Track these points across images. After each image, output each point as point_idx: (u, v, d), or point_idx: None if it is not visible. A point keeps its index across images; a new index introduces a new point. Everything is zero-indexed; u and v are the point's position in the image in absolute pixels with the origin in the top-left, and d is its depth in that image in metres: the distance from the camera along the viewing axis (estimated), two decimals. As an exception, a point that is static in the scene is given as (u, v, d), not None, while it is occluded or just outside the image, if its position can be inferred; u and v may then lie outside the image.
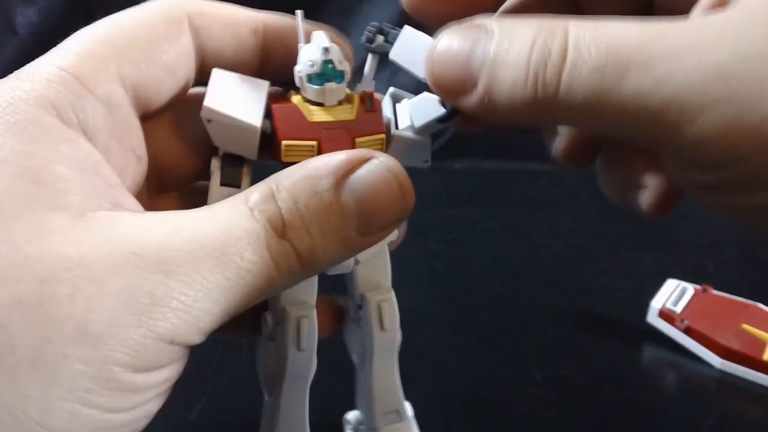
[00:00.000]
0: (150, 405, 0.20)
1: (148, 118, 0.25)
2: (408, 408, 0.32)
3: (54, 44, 0.23)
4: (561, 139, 0.29)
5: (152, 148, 0.25)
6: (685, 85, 0.18)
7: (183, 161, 0.26)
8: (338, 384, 0.32)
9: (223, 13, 0.25)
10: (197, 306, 0.19)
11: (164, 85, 0.24)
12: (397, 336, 0.30)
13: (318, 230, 0.21)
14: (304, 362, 0.28)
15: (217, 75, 0.24)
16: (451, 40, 0.23)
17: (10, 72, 0.22)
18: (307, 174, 0.21)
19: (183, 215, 0.20)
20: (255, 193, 0.21)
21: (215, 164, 0.25)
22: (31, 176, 0.19)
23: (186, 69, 0.25)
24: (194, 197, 0.26)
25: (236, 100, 0.24)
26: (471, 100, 0.22)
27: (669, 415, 0.43)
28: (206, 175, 0.25)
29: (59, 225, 0.19)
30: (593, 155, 0.28)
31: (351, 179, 0.21)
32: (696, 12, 0.23)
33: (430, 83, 0.24)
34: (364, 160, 0.22)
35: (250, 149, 0.25)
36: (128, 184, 0.23)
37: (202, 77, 0.25)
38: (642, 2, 0.26)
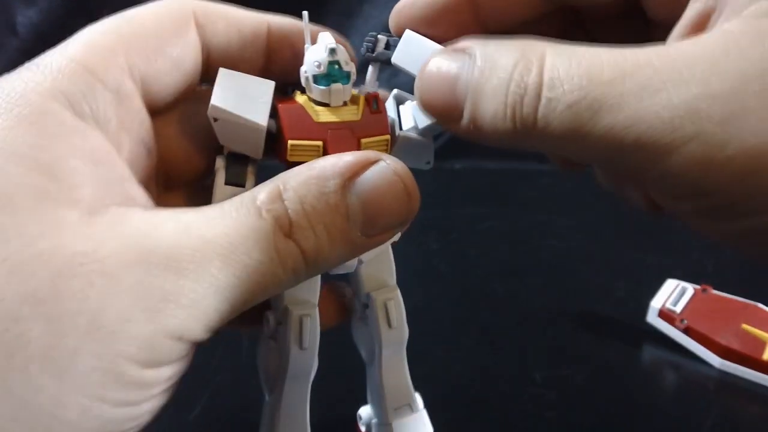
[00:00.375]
0: (156, 400, 0.20)
1: (155, 114, 0.25)
2: (418, 399, 0.32)
3: (54, 44, 0.22)
4: None
5: (159, 146, 0.25)
6: (655, 123, 0.19)
7: (189, 159, 0.26)
8: (343, 382, 0.32)
9: (228, 13, 0.26)
10: (206, 303, 0.19)
11: (171, 79, 0.24)
12: (405, 332, 0.30)
13: (323, 231, 0.21)
14: (305, 361, 0.28)
15: (224, 74, 0.24)
16: (438, 65, 0.23)
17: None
18: (314, 174, 0.21)
19: (193, 213, 0.20)
20: (263, 193, 0.21)
21: (220, 163, 0.25)
22: (44, 170, 0.19)
23: (192, 64, 0.25)
24: (201, 195, 0.26)
25: (243, 99, 0.24)
26: (459, 126, 0.22)
27: (669, 415, 0.43)
28: (212, 173, 0.25)
29: (72, 220, 0.19)
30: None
31: (357, 181, 0.21)
32: (673, 36, 0.23)
33: (420, 108, 0.24)
34: (371, 162, 0.22)
35: (255, 148, 0.25)
36: (139, 177, 0.23)
37: (207, 75, 0.26)
38: (635, 13, 0.26)
